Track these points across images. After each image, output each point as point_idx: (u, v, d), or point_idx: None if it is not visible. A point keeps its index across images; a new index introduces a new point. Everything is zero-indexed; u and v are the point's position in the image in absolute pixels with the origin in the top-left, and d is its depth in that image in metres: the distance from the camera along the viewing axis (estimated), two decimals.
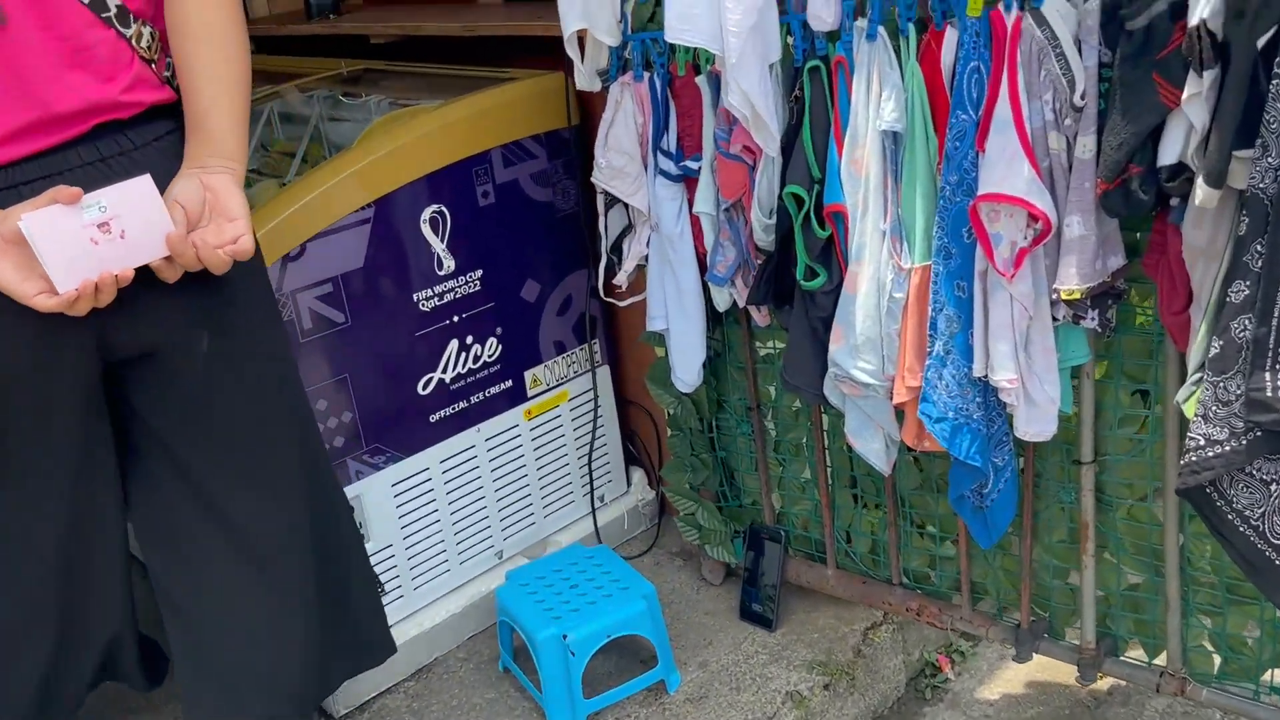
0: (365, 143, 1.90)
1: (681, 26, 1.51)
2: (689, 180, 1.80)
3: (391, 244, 1.91)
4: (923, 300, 1.54)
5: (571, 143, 2.12)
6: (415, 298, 1.97)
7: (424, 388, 2.01)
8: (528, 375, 2.17)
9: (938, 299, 1.51)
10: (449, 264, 2.00)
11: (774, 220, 1.67)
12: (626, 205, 1.89)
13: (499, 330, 2.10)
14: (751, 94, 1.53)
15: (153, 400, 1.37)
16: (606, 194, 1.89)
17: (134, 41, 1.26)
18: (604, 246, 1.95)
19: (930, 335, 1.53)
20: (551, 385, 2.21)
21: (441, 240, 1.98)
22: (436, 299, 1.99)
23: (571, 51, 1.79)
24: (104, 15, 1.23)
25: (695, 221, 1.81)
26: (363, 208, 1.86)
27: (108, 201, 1.16)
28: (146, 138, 1.28)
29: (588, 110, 2.12)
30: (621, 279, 1.95)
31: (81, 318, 1.19)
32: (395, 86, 2.42)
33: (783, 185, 1.63)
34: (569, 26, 1.74)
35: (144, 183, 1.18)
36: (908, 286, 1.55)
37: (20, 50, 1.19)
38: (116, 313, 1.22)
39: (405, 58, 2.55)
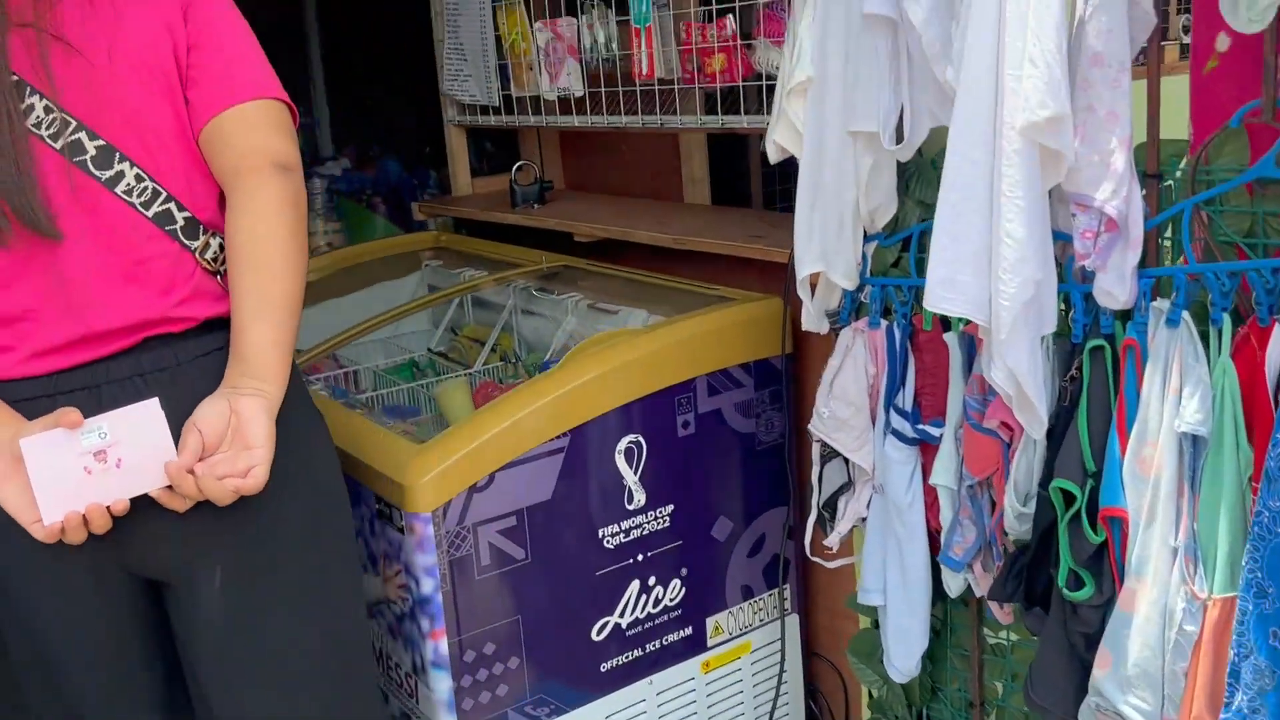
0: (566, 367, 1.77)
1: (944, 293, 1.32)
2: (925, 445, 1.58)
3: (582, 476, 1.75)
4: (1222, 640, 1.26)
5: (783, 372, 1.95)
6: (601, 534, 1.79)
7: (598, 633, 1.81)
8: (709, 622, 1.96)
9: (1244, 643, 1.23)
10: (640, 498, 1.82)
11: (1031, 509, 1.44)
12: (846, 460, 1.68)
13: (684, 571, 1.90)
14: (1019, 372, 1.32)
15: (181, 622, 1.31)
16: (824, 445, 1.70)
17: (199, 254, 1.25)
18: (815, 500, 1.74)
19: (1230, 684, 1.24)
20: (734, 634, 1.98)
21: (635, 472, 1.81)
22: (623, 535, 1.82)
23: (803, 294, 1.63)
24: (169, 228, 1.23)
25: (929, 492, 1.59)
26: (557, 437, 1.71)
27: (109, 427, 1.13)
28: (194, 353, 1.25)
29: (798, 334, 1.95)
30: (833, 540, 1.73)
31: (100, 537, 1.16)
32: (594, 288, 2.32)
33: (1047, 473, 1.40)
34: (804, 268, 1.59)
35: (148, 407, 1.14)
36: (1203, 620, 1.27)
37: (74, 266, 1.19)
38: (130, 534, 1.20)
39: (609, 249, 2.46)
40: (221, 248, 1.26)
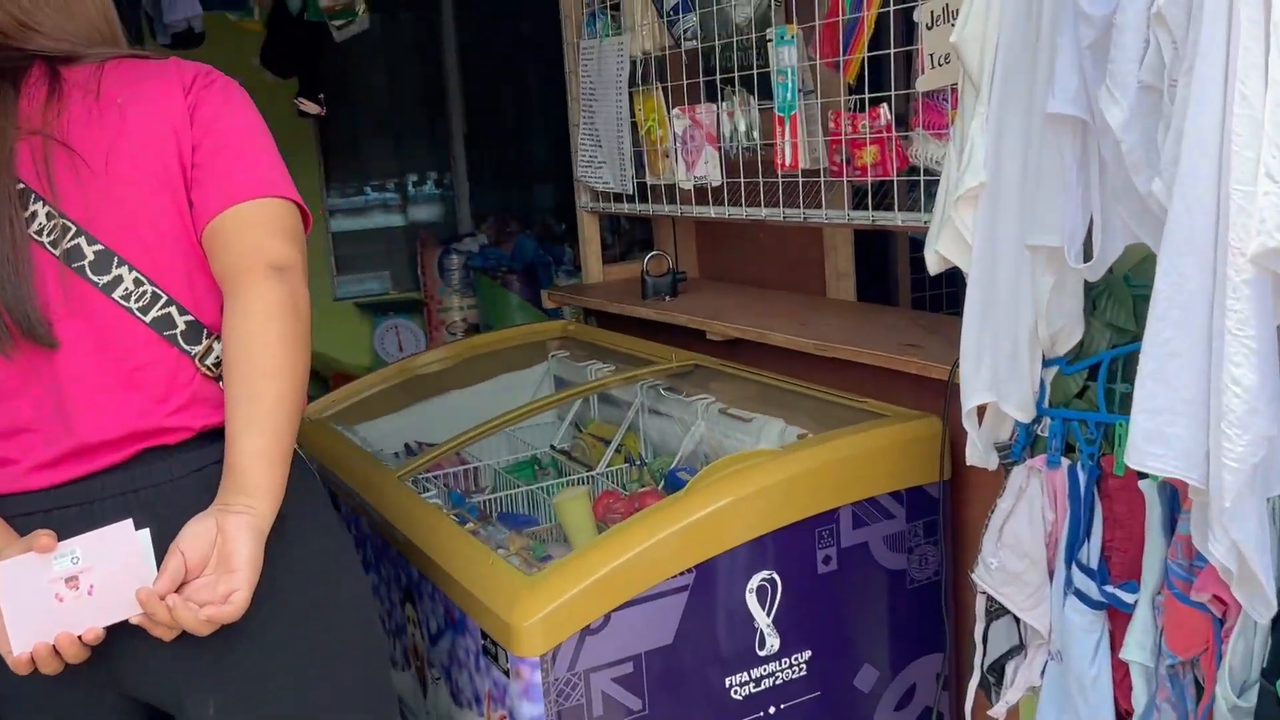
0: (694, 493, 1.60)
1: (1150, 449, 1.10)
2: (1114, 611, 1.34)
3: (709, 617, 1.56)
4: None
5: (940, 501, 1.73)
6: (728, 683, 1.60)
7: None
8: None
9: None
10: (772, 643, 1.62)
11: (1251, 703, 1.18)
12: (1017, 619, 1.45)
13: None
14: (1245, 545, 1.08)
15: None
16: (991, 600, 1.47)
17: (199, 359, 1.20)
18: (979, 660, 1.51)
19: None
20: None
21: (768, 614, 1.61)
22: (752, 685, 1.61)
23: (969, 425, 1.42)
24: (168, 333, 1.19)
25: (1118, 666, 1.34)
26: (682, 573, 1.54)
27: (82, 551, 1.08)
28: (190, 467, 1.20)
29: (957, 457, 1.73)
30: (999, 711, 1.50)
31: (93, 659, 1.12)
32: (727, 390, 2.15)
33: (1274, 661, 1.15)
34: (972, 397, 1.38)
35: (122, 530, 1.09)
36: None
37: (69, 374, 1.17)
38: (121, 658, 1.16)
39: (745, 345, 2.28)
40: None
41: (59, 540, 1.11)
